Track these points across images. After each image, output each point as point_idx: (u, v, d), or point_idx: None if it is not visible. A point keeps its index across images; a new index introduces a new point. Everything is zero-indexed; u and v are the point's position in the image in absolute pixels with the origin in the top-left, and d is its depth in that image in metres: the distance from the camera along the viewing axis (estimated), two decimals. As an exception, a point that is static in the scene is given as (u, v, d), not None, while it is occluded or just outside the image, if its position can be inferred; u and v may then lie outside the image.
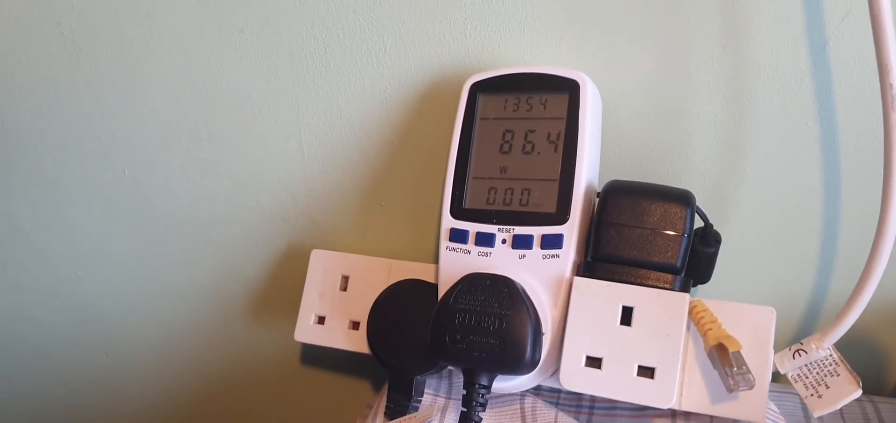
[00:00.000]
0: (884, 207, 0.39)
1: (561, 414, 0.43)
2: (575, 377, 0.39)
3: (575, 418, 0.44)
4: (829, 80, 0.44)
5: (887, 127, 0.39)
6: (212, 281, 0.56)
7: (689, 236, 0.40)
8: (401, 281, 0.46)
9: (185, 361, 0.59)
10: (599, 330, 0.39)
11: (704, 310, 0.40)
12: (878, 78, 0.39)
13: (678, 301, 0.39)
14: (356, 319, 0.47)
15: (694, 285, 0.46)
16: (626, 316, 0.39)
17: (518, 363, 0.39)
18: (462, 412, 0.39)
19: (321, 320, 0.49)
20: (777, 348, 0.41)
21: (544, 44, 0.47)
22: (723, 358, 0.39)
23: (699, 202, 0.44)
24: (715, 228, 0.44)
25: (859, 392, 0.40)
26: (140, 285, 0.58)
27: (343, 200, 0.52)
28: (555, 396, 0.46)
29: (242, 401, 0.58)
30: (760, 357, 0.40)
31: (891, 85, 0.39)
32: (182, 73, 0.53)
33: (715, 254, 0.44)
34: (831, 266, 0.47)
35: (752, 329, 0.40)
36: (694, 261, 0.44)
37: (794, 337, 0.48)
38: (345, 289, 0.49)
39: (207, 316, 0.57)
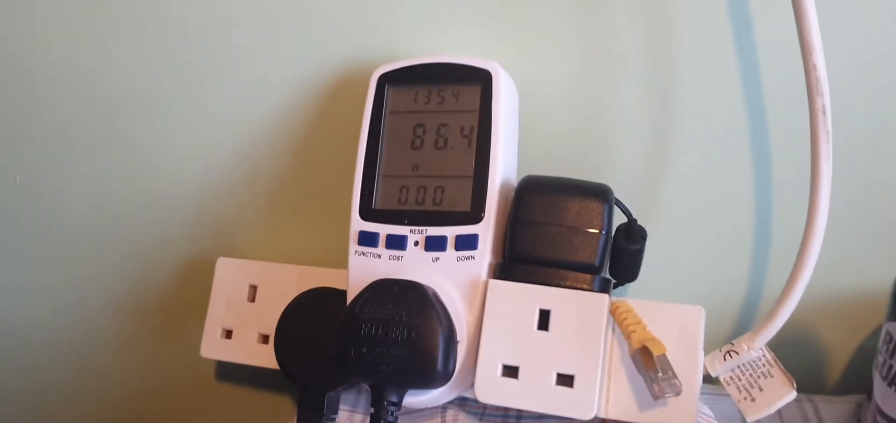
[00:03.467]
0: (812, 196, 0.37)
1: (481, 427, 0.41)
2: (490, 389, 0.36)
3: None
4: (755, 64, 0.42)
5: (812, 111, 0.37)
6: (119, 293, 0.52)
7: (607, 232, 0.38)
8: (311, 290, 0.43)
9: (98, 376, 0.55)
10: (516, 336, 0.37)
11: (628, 311, 0.38)
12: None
13: (597, 303, 0.36)
14: (265, 332, 0.44)
15: (621, 284, 0.43)
16: (544, 320, 0.37)
17: (429, 376, 0.36)
18: (370, 428, 0.36)
19: (228, 333, 0.45)
20: (710, 349, 0.39)
21: (458, 33, 0.44)
22: (647, 362, 0.36)
23: (625, 198, 0.42)
24: (640, 223, 0.42)
25: (794, 394, 0.38)
26: (48, 299, 0.54)
27: (252, 204, 0.49)
28: (480, 406, 0.44)
29: (157, 420, 0.55)
30: (689, 360, 0.37)
31: (814, 66, 0.37)
32: (76, 71, 0.49)
33: (641, 251, 0.42)
34: (766, 260, 0.45)
35: (680, 330, 0.38)
36: (619, 259, 0.42)
37: (728, 338, 0.46)
38: (253, 300, 0.45)
39: (117, 330, 0.53)
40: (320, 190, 0.47)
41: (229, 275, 0.46)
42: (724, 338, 0.45)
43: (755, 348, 0.39)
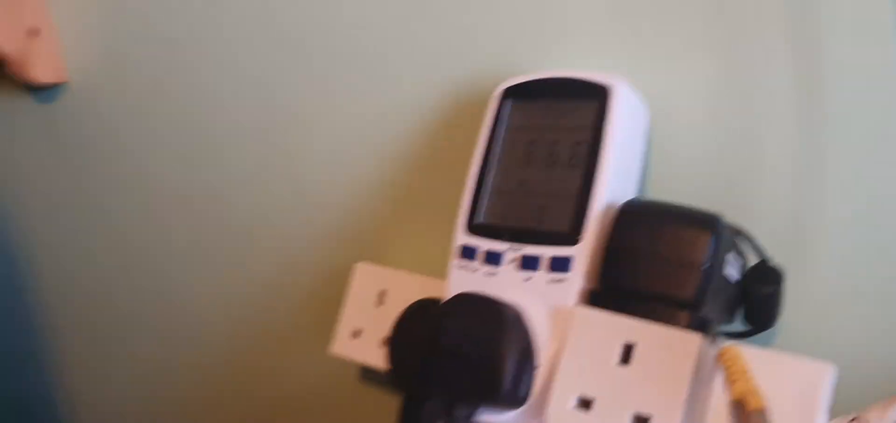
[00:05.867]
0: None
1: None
2: (561, 420, 0.34)
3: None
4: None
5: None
6: (276, 292, 0.56)
7: (711, 267, 0.34)
8: (419, 301, 0.43)
9: (253, 372, 0.59)
10: (595, 368, 0.34)
11: (735, 358, 0.34)
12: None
13: (687, 342, 0.33)
14: (386, 336, 0.45)
15: (756, 332, 0.38)
16: (627, 355, 0.34)
17: (496, 396, 0.34)
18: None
19: (357, 334, 0.47)
20: (839, 413, 0.33)
21: (589, 45, 0.42)
22: (742, 416, 0.32)
23: (768, 233, 0.38)
24: (781, 264, 0.37)
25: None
26: (217, 296, 0.60)
27: (391, 213, 0.50)
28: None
29: (301, 414, 0.58)
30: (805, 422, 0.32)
31: None
32: (249, 81, 0.54)
33: (775, 294, 0.37)
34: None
35: (802, 388, 0.33)
36: (750, 303, 0.37)
37: (871, 402, 0.39)
38: (381, 304, 0.47)
39: (270, 320, 0.57)
40: (449, 202, 0.48)
41: (364, 280, 0.48)
42: (866, 402, 0.38)
43: (886, 420, 0.32)
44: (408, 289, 0.45)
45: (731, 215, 0.38)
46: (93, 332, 0.67)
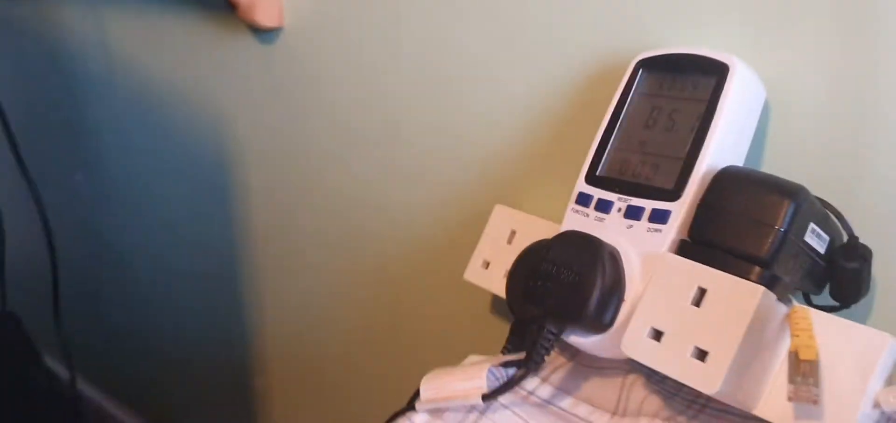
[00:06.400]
0: None
1: (651, 397, 0.43)
2: (634, 345, 0.39)
3: (682, 412, 0.43)
4: None
5: None
6: (429, 218, 0.64)
7: (787, 230, 0.37)
8: (539, 240, 0.49)
9: (400, 284, 0.68)
10: (670, 306, 0.39)
11: (802, 318, 0.37)
12: None
13: (750, 292, 0.37)
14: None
15: (844, 307, 0.41)
16: (700, 299, 0.38)
17: (581, 318, 0.40)
18: (527, 350, 0.42)
19: (487, 265, 0.54)
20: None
21: (720, 27, 0.46)
22: (795, 365, 0.36)
23: (875, 221, 0.40)
24: (863, 243, 0.40)
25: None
26: (384, 209, 0.68)
27: (530, 164, 0.57)
28: (675, 386, 0.45)
29: (438, 334, 0.65)
30: (856, 384, 0.36)
31: None
32: (419, 45, 0.62)
33: (859, 271, 0.40)
34: None
35: (861, 352, 0.36)
36: (835, 278, 0.40)
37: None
38: (510, 242, 0.53)
39: (422, 246, 0.65)
40: (582, 159, 0.53)
41: (500, 219, 0.55)
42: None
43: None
44: (535, 231, 0.51)
45: (838, 199, 0.41)
46: (284, 244, 0.79)
